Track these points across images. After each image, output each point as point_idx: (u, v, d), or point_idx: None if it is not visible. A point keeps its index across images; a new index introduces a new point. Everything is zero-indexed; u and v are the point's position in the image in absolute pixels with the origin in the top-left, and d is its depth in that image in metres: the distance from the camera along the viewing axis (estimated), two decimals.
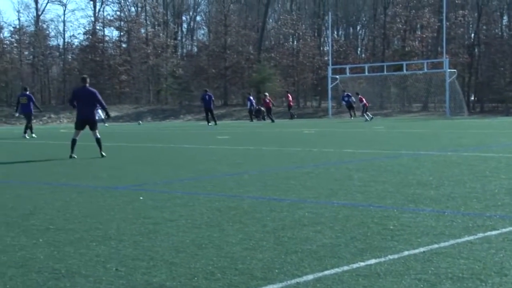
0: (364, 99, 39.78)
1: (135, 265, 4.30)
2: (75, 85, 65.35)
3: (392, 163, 10.91)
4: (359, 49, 74.70)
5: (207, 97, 34.21)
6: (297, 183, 8.39)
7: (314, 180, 8.78)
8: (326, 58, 60.91)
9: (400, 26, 59.60)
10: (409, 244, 4.74)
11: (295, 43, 66.93)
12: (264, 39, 68.56)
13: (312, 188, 7.94)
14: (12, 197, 7.63)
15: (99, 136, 13.26)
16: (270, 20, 73.43)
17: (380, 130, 25.11)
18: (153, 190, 8.19)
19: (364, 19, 74.67)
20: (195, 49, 76.48)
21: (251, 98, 42.41)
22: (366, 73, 50.99)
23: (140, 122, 44.35)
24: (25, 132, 23.67)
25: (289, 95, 46.49)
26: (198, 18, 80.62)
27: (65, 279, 4.01)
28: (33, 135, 23.55)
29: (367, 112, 38.84)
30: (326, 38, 66.55)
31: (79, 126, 13.50)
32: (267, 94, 42.04)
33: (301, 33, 63.69)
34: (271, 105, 40.01)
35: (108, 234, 5.30)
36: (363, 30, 76.46)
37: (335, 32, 70.89)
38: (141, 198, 7.33)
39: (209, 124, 33.87)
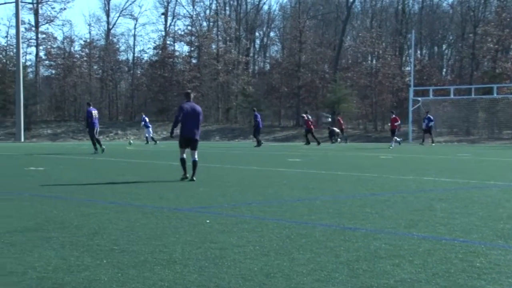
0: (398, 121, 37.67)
1: None
2: (143, 101, 67.38)
3: (478, 194, 10.60)
4: (444, 69, 73.46)
5: (260, 116, 35.42)
6: (373, 212, 8.27)
7: (392, 209, 8.63)
8: (407, 79, 60.14)
9: (491, 46, 58.18)
10: (498, 284, 4.58)
11: (374, 62, 66.50)
12: (341, 57, 68.47)
13: (390, 217, 7.81)
14: (77, 215, 7.87)
15: (197, 159, 13.02)
16: (348, 38, 73.30)
17: (465, 157, 24.48)
18: (220, 213, 8.26)
19: (450, 37, 73.41)
20: (268, 66, 77.20)
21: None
22: (452, 96, 49.97)
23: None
24: (101, 146, 24.58)
25: (339, 118, 45.87)
26: (271, 34, 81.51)
27: None
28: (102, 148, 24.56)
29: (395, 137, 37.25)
30: (408, 58, 65.76)
31: (184, 144, 13.12)
32: (305, 114, 41.46)
33: (381, 52, 63.23)
34: (311, 126, 39.15)
35: (173, 258, 5.38)
36: (449, 49, 75.16)
37: (418, 51, 70.00)
38: (207, 221, 7.40)
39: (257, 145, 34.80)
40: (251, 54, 77.67)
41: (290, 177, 14.04)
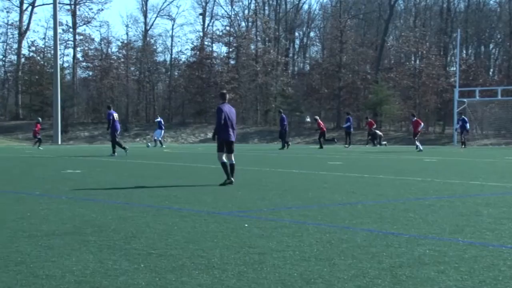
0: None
1: None
2: (180, 103, 67.89)
3: None
4: (491, 69, 72.26)
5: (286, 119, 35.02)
6: (417, 217, 8.18)
7: (437, 214, 8.52)
8: (452, 80, 59.36)
9: None
10: None
11: (417, 62, 65.81)
12: (383, 57, 67.95)
13: (434, 223, 7.71)
14: (114, 219, 7.97)
15: (234, 161, 12.94)
16: (390, 37, 72.71)
17: None
18: (259, 217, 8.27)
19: (498, 36, 72.21)
20: (307, 67, 77.03)
21: (351, 119, 41.12)
22: (499, 97, 49.11)
23: (149, 144, 42.91)
24: (114, 151, 24.94)
25: (371, 120, 45.01)
26: (311, 34, 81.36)
27: None
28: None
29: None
30: (453, 57, 64.92)
31: (224, 147, 12.81)
32: (317, 117, 40.35)
33: (424, 52, 62.53)
34: (324, 129, 37.70)
35: (211, 263, 5.41)
36: (497, 49, 73.93)
37: (464, 51, 69.02)
38: (246, 225, 7.42)
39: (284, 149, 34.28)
40: (291, 55, 77.63)
41: (330, 181, 13.98)
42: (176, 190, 11.64)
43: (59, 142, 47.33)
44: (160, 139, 40.45)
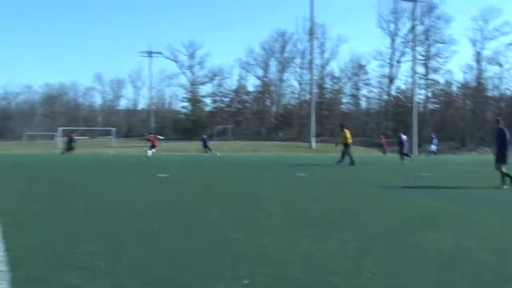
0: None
1: None
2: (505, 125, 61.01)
3: None
4: None
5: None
6: None
7: None
8: None
9: None
10: None
11: None
12: None
13: None
14: (417, 205, 8.37)
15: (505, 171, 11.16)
16: None
17: None
18: None
19: None
20: None
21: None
22: None
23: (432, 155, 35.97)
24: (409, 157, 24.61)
25: None
26: None
27: None
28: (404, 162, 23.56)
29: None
30: None
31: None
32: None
33: None
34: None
35: (492, 231, 5.44)
36: None
37: None
38: None
39: None
40: None
41: None
42: (474, 189, 10.67)
43: (416, 154, 47.61)
44: (432, 150, 35.98)
